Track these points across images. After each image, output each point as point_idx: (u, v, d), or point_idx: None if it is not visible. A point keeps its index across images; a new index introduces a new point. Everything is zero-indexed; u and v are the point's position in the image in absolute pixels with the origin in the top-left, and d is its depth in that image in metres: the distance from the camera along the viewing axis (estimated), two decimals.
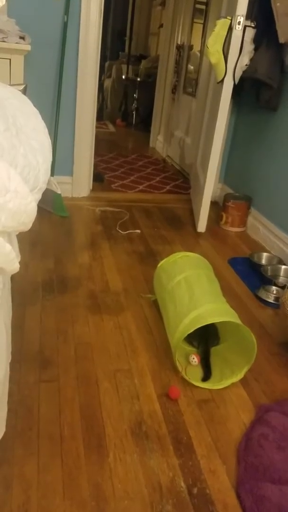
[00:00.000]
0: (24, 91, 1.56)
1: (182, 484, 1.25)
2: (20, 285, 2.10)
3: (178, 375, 1.65)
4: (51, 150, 1.03)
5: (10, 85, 1.41)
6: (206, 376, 1.66)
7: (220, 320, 1.64)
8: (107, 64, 7.22)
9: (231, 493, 1.24)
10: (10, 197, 0.66)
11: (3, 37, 2.45)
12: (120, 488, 1.22)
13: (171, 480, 1.26)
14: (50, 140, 1.06)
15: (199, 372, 1.68)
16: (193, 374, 1.66)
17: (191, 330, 1.58)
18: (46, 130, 1.10)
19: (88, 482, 1.23)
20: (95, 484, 1.22)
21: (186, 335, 1.59)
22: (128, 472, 1.27)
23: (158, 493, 1.22)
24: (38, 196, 0.87)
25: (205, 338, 1.77)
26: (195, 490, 1.24)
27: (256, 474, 1.26)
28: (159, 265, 2.06)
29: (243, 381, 1.66)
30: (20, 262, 0.91)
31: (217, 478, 1.28)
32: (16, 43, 2.47)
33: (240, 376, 1.65)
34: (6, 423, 1.31)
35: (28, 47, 2.50)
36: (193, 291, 1.74)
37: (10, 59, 2.42)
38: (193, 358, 1.70)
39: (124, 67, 6.63)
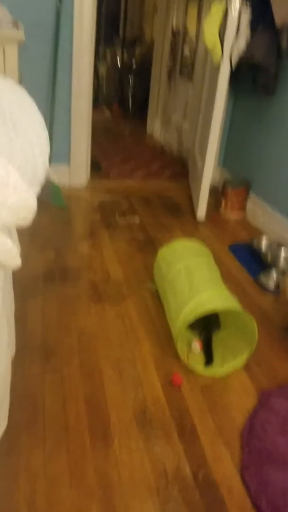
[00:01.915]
0: (19, 82, 1.55)
1: (188, 470, 1.27)
2: (21, 277, 2.10)
3: (181, 362, 1.66)
4: (48, 142, 1.03)
5: (4, 75, 1.40)
6: (208, 362, 1.67)
7: (221, 307, 1.65)
8: (101, 49, 7.13)
9: (236, 477, 1.26)
10: (10, 193, 0.65)
11: None
12: (126, 475, 1.24)
13: (176, 466, 1.28)
14: (47, 133, 1.05)
15: (201, 359, 1.70)
16: (196, 362, 1.67)
17: (192, 319, 1.59)
18: (43, 122, 1.09)
19: (94, 470, 1.24)
20: (101, 472, 1.24)
21: (187, 324, 1.60)
22: (134, 459, 1.29)
23: (164, 480, 1.23)
24: (37, 189, 0.87)
25: (206, 324, 1.78)
26: (200, 476, 1.25)
27: (260, 458, 1.28)
28: (158, 254, 2.06)
29: (245, 367, 1.68)
30: (20, 254, 0.91)
31: (222, 463, 1.30)
32: (9, 31, 2.44)
33: (241, 362, 1.66)
34: (11, 415, 1.32)
35: (22, 35, 2.47)
36: (193, 280, 1.74)
37: (3, 48, 2.39)
38: (195, 345, 1.71)
39: (119, 52, 6.55)
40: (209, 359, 1.68)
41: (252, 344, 1.63)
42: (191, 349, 1.72)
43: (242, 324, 1.68)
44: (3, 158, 0.70)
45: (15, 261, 0.71)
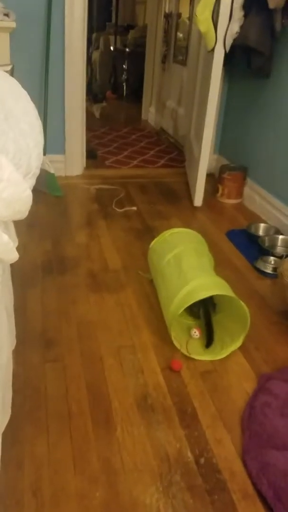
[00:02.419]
0: (11, 72, 1.53)
1: (189, 454, 1.29)
2: (19, 268, 2.11)
3: (181, 348, 1.68)
4: (42, 132, 1.02)
5: None
6: (209, 342, 1.70)
7: (208, 295, 1.65)
8: (94, 35, 7.04)
9: (237, 461, 1.28)
10: (4, 186, 0.65)
11: None
12: (129, 461, 1.26)
13: (178, 451, 1.29)
14: (40, 122, 1.04)
15: (201, 344, 1.71)
16: (195, 347, 1.68)
17: (183, 308, 1.60)
18: (36, 112, 1.08)
19: (97, 456, 1.26)
20: (104, 458, 1.26)
21: (178, 314, 1.60)
22: (136, 444, 1.30)
23: (166, 464, 1.25)
24: (32, 181, 0.87)
25: (203, 306, 1.79)
26: (202, 460, 1.27)
27: (260, 441, 1.30)
28: (150, 246, 2.06)
29: (244, 351, 1.69)
30: (18, 245, 0.91)
31: (223, 447, 1.32)
32: (1, 20, 2.41)
33: (238, 343, 1.67)
34: (14, 404, 1.34)
35: (13, 24, 2.44)
36: (181, 268, 1.74)
37: None
38: (195, 332, 1.73)
39: (111, 38, 6.48)
40: (209, 339, 1.70)
41: (245, 325, 1.64)
42: (191, 336, 1.73)
43: (234, 307, 1.69)
44: None
45: (12, 254, 0.71)
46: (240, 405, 1.46)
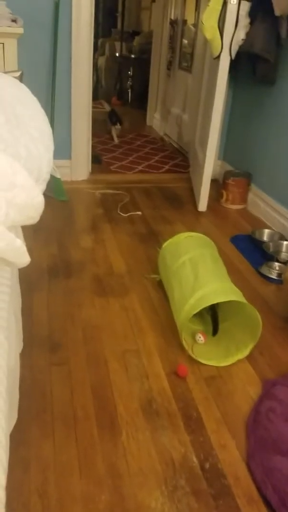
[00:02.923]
0: (20, 78, 1.55)
1: (194, 459, 1.29)
2: (25, 272, 2.12)
3: (185, 353, 1.68)
4: (52, 138, 1.04)
5: (6, 72, 1.41)
6: (215, 330, 1.78)
7: (225, 300, 1.66)
8: (100, 41, 7.09)
9: (242, 466, 1.28)
10: (17, 192, 0.67)
11: None
12: (134, 465, 1.26)
13: (183, 456, 1.30)
14: (50, 129, 1.06)
15: (205, 350, 1.72)
16: (200, 352, 1.69)
17: (197, 310, 1.61)
18: (46, 118, 1.10)
19: (103, 460, 1.27)
20: (109, 462, 1.26)
21: (191, 315, 1.61)
22: (141, 449, 1.31)
23: (171, 469, 1.26)
24: (43, 187, 0.88)
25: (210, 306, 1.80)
26: (207, 465, 1.28)
27: (265, 447, 1.30)
28: (163, 246, 2.08)
29: (249, 356, 1.70)
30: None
31: (228, 452, 1.32)
32: (8, 26, 2.44)
33: (245, 353, 1.68)
34: (21, 407, 1.34)
35: (21, 30, 2.47)
36: (198, 271, 1.76)
37: (3, 44, 2.39)
38: (200, 337, 1.73)
39: (117, 44, 6.52)
40: (215, 329, 1.78)
41: (256, 335, 1.65)
42: (196, 341, 1.74)
43: (246, 316, 1.70)
44: (9, 156, 0.72)
45: (24, 258, 0.73)
46: (245, 410, 1.47)
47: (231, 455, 1.31)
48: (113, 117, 4.59)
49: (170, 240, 2.07)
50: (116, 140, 4.50)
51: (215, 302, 1.64)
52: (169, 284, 1.88)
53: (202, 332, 1.77)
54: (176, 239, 2.05)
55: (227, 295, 1.66)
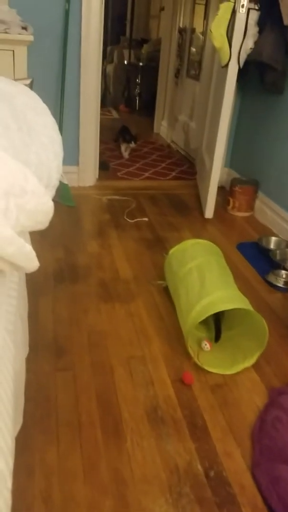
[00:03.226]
0: (31, 86, 1.57)
1: (199, 467, 1.29)
2: (32, 276, 2.13)
3: (191, 360, 1.68)
4: (61, 146, 1.05)
5: (16, 79, 1.42)
6: (217, 337, 1.78)
7: (232, 307, 1.66)
8: (108, 49, 7.14)
9: (247, 474, 1.27)
10: (28, 198, 0.67)
11: (5, 28, 2.44)
12: (138, 472, 1.26)
13: (188, 464, 1.29)
14: (60, 136, 1.07)
15: (211, 357, 1.71)
16: (206, 360, 1.69)
17: (203, 317, 1.61)
18: (56, 126, 1.11)
19: (107, 467, 1.27)
20: (114, 468, 1.26)
21: (198, 322, 1.61)
22: (146, 456, 1.31)
23: (176, 477, 1.25)
24: (52, 193, 0.89)
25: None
26: (212, 473, 1.27)
27: (271, 455, 1.29)
28: (170, 252, 2.08)
29: (255, 365, 1.69)
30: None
31: (233, 461, 1.31)
32: (19, 34, 2.46)
33: (252, 361, 1.67)
34: (26, 411, 1.35)
35: (31, 38, 2.49)
36: (204, 278, 1.76)
37: (13, 51, 2.41)
38: (205, 344, 1.73)
39: (125, 52, 6.56)
40: (218, 335, 1.79)
41: (262, 343, 1.65)
42: (201, 348, 1.74)
43: (252, 324, 1.70)
44: (20, 163, 0.72)
45: (33, 263, 0.73)
46: (251, 419, 1.46)
47: (236, 464, 1.31)
48: (126, 135, 4.32)
49: (177, 247, 2.07)
50: (126, 156, 4.28)
51: (221, 309, 1.64)
52: (176, 291, 1.88)
53: (207, 339, 1.76)
54: (183, 246, 2.05)
55: (234, 302, 1.66)
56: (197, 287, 1.73)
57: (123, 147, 4.30)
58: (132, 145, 4.23)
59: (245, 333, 1.75)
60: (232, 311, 1.81)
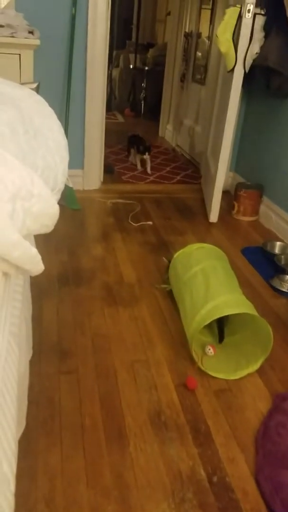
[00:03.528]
0: (37, 90, 1.58)
1: (202, 472, 1.28)
2: (36, 279, 2.13)
3: (195, 365, 1.68)
4: (67, 149, 1.05)
5: (23, 83, 1.43)
6: (221, 338, 1.79)
7: (237, 312, 1.66)
8: (114, 53, 7.17)
9: (250, 480, 1.27)
10: (34, 201, 0.68)
11: (12, 32, 2.46)
12: (141, 476, 1.25)
13: (191, 469, 1.29)
14: (66, 140, 1.07)
15: (215, 362, 1.71)
16: (209, 365, 1.68)
17: (208, 322, 1.60)
18: (62, 130, 1.11)
19: (110, 471, 1.26)
20: (117, 473, 1.26)
21: (202, 326, 1.61)
22: (149, 461, 1.30)
23: (179, 482, 1.25)
24: (58, 196, 0.89)
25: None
26: (215, 478, 1.27)
27: (274, 461, 1.29)
28: (175, 256, 2.08)
29: (259, 370, 1.69)
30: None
31: (236, 466, 1.31)
32: (25, 38, 2.48)
33: (256, 367, 1.67)
34: (29, 414, 1.35)
35: (38, 42, 2.51)
36: (209, 282, 1.75)
37: (19, 54, 2.43)
38: (209, 349, 1.73)
39: (131, 56, 6.58)
40: (221, 337, 1.80)
41: (267, 349, 1.64)
42: (205, 352, 1.73)
43: (257, 329, 1.69)
44: (27, 166, 0.73)
45: (39, 266, 0.73)
46: (254, 425, 1.46)
47: (240, 469, 1.30)
48: (140, 145, 3.90)
49: (181, 251, 2.07)
50: (148, 171, 3.90)
51: (226, 314, 1.64)
52: (180, 295, 1.88)
53: (212, 344, 1.76)
54: (187, 250, 2.05)
55: (239, 307, 1.66)
56: (202, 291, 1.73)
57: (138, 159, 3.98)
58: (146, 156, 3.86)
59: (250, 338, 1.75)
60: (237, 316, 1.81)
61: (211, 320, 1.61)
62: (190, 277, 1.84)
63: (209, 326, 1.79)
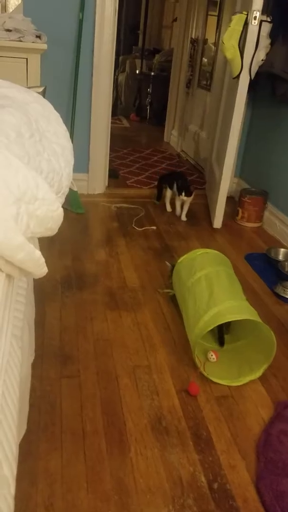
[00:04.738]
0: (43, 94, 1.59)
1: (203, 479, 1.28)
2: (39, 282, 2.13)
3: (197, 371, 1.67)
4: (72, 153, 1.06)
5: (30, 87, 1.44)
6: (221, 342, 1.80)
7: (240, 318, 1.66)
8: (120, 58, 7.20)
9: (251, 488, 1.26)
10: (39, 204, 0.68)
11: (19, 37, 2.47)
12: (142, 482, 1.25)
13: (191, 475, 1.28)
14: (71, 144, 1.08)
15: (217, 368, 1.70)
16: (212, 371, 1.68)
17: (211, 328, 1.60)
18: (67, 134, 1.12)
19: (110, 476, 1.26)
20: (117, 478, 1.25)
21: (205, 332, 1.61)
22: (150, 467, 1.30)
23: (179, 488, 1.24)
24: (62, 200, 0.89)
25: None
26: (215, 485, 1.26)
27: (275, 469, 1.28)
28: (178, 261, 2.07)
29: (262, 377, 1.68)
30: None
31: (237, 473, 1.30)
32: (33, 42, 2.49)
33: (258, 374, 1.66)
34: (30, 418, 1.35)
35: (45, 46, 2.52)
36: (213, 288, 1.75)
37: (26, 59, 2.44)
38: (212, 355, 1.72)
39: (137, 61, 6.61)
40: (221, 340, 1.81)
41: (270, 356, 1.63)
42: (208, 359, 1.73)
43: (260, 336, 1.69)
44: (32, 170, 0.73)
45: (42, 269, 0.74)
46: (256, 432, 1.45)
47: (240, 477, 1.29)
48: (179, 183, 3.03)
49: (186, 256, 2.07)
50: (183, 218, 3.07)
51: (230, 320, 1.63)
52: (183, 300, 1.88)
53: (214, 350, 1.75)
54: (192, 255, 2.05)
55: (242, 313, 1.65)
56: (206, 297, 1.73)
57: (178, 203, 3.11)
58: (183, 197, 3.00)
59: (253, 345, 1.74)
60: (240, 322, 1.80)
61: (214, 326, 1.61)
62: (194, 283, 1.84)
63: (212, 332, 1.79)
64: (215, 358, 1.72)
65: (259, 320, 1.63)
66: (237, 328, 1.83)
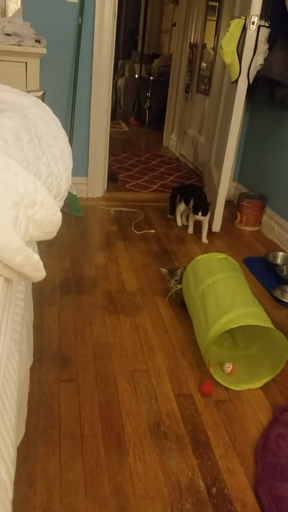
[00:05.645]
0: (42, 98, 1.59)
1: (201, 483, 1.27)
2: (38, 285, 2.14)
3: (195, 373, 1.67)
4: (71, 158, 1.06)
5: (29, 91, 1.44)
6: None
7: (260, 324, 1.62)
8: (120, 63, 7.23)
9: (249, 492, 1.26)
10: (37, 209, 0.68)
11: (19, 41, 2.48)
12: (140, 487, 1.25)
13: (190, 480, 1.28)
14: (70, 148, 1.08)
15: (223, 375, 1.70)
16: (218, 373, 1.67)
17: (229, 328, 1.59)
18: (66, 138, 1.12)
19: (109, 480, 1.25)
20: (115, 482, 1.25)
21: (222, 332, 1.59)
22: (148, 471, 1.29)
23: (177, 492, 1.24)
24: (61, 204, 0.90)
25: None
26: (214, 490, 1.26)
27: (274, 474, 1.27)
28: (188, 266, 2.04)
29: None
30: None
31: (236, 478, 1.30)
32: (32, 46, 2.51)
33: (259, 384, 1.65)
34: (28, 421, 1.34)
35: (44, 50, 2.53)
36: (235, 291, 1.75)
37: (26, 63, 2.45)
38: (228, 367, 1.69)
39: (137, 66, 6.63)
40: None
41: (282, 361, 1.63)
42: (224, 370, 1.70)
43: (268, 346, 1.69)
44: (31, 174, 0.73)
45: (40, 273, 0.74)
46: (254, 436, 1.45)
47: (239, 481, 1.29)
48: (197, 201, 2.79)
49: (195, 260, 2.04)
50: (204, 238, 2.83)
51: (249, 324, 1.61)
52: (202, 297, 1.82)
53: (231, 362, 1.73)
54: (212, 256, 2.02)
55: (261, 321, 1.64)
56: (229, 299, 1.70)
57: (191, 221, 2.92)
58: (199, 217, 2.76)
59: (258, 355, 1.74)
60: (252, 330, 1.79)
61: (233, 327, 1.59)
62: (216, 281, 1.81)
63: (223, 337, 1.77)
64: (231, 371, 1.70)
65: (280, 333, 1.61)
66: (249, 336, 1.82)
